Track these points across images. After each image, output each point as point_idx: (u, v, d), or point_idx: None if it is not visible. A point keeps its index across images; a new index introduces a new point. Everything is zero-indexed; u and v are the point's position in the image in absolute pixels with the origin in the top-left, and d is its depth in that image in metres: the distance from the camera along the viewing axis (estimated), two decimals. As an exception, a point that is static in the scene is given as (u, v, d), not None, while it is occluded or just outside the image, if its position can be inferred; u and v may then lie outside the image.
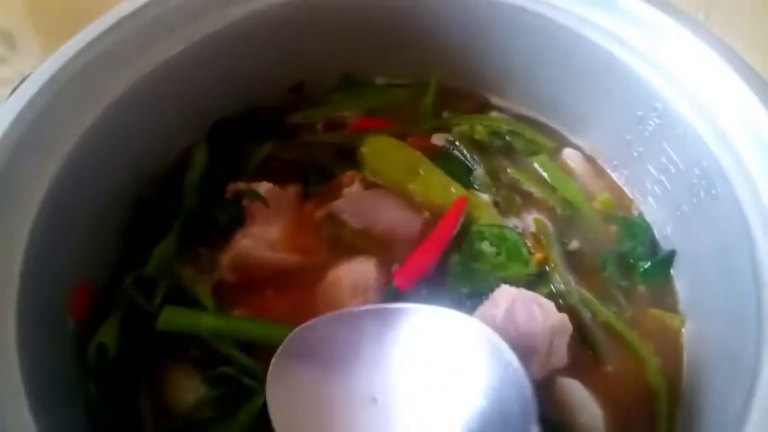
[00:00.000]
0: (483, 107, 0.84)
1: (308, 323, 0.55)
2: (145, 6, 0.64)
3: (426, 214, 0.72)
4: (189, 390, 0.61)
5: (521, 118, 0.82)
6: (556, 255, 0.68)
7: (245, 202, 0.70)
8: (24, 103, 0.55)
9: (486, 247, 0.68)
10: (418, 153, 0.76)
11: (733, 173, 0.57)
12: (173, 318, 0.61)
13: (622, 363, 0.64)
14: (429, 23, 0.78)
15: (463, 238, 0.69)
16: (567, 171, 0.78)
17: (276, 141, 0.78)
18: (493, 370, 0.51)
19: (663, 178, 0.69)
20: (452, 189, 0.73)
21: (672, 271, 0.70)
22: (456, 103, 0.84)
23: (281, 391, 0.53)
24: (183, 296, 0.64)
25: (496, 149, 0.79)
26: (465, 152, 0.78)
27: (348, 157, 0.77)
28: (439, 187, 0.74)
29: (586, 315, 0.65)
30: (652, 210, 0.73)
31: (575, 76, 0.74)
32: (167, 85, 0.67)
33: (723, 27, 0.67)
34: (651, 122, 0.67)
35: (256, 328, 0.63)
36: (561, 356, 0.60)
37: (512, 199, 0.74)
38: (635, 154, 0.72)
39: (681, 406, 0.61)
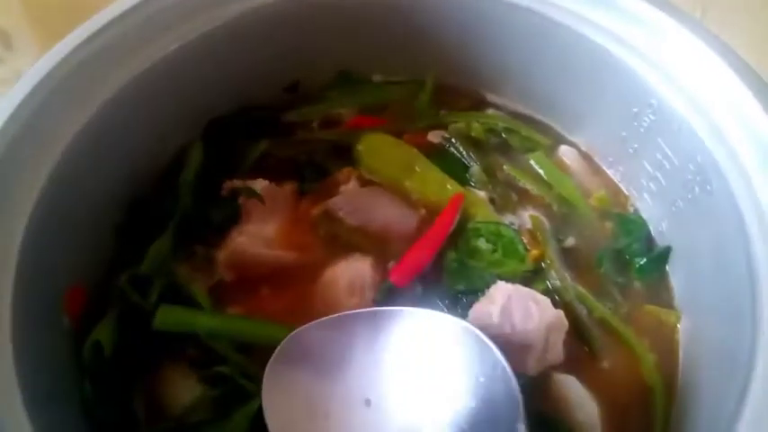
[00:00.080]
0: (479, 104, 0.84)
1: (302, 328, 0.56)
2: (140, 5, 0.64)
3: (422, 211, 0.72)
4: (184, 390, 0.61)
5: (517, 115, 0.82)
6: (552, 251, 0.69)
7: (240, 200, 0.70)
8: (19, 102, 0.55)
9: (482, 243, 0.68)
10: (414, 150, 0.76)
11: (728, 168, 0.57)
12: (169, 316, 0.61)
13: (618, 359, 0.64)
14: (425, 21, 0.78)
15: (459, 235, 0.69)
16: (562, 168, 0.78)
17: (272, 139, 0.78)
18: (482, 370, 0.52)
19: (658, 174, 0.69)
20: (448, 186, 0.73)
21: (667, 267, 0.70)
22: (452, 101, 0.84)
23: (277, 395, 0.53)
24: (178, 294, 0.64)
25: (493, 147, 0.79)
26: (461, 149, 0.78)
27: (344, 154, 0.77)
28: (435, 184, 0.74)
29: (582, 311, 0.65)
30: (647, 206, 0.73)
31: (571, 74, 0.74)
32: (162, 84, 0.67)
33: (720, 25, 0.67)
34: (646, 119, 0.67)
35: (253, 328, 0.63)
36: (557, 353, 0.60)
37: (508, 196, 0.74)
38: (630, 150, 0.72)
39: (676, 401, 0.61)
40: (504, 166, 0.77)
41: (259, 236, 0.68)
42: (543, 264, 0.68)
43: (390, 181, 0.75)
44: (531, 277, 0.67)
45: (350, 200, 0.72)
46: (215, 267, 0.67)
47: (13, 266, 0.51)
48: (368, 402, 0.54)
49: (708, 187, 0.60)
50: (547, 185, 0.76)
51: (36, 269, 0.53)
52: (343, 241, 0.70)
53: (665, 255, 0.69)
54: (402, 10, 0.77)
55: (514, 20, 0.73)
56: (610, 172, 0.78)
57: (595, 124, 0.77)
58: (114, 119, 0.62)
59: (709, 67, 0.61)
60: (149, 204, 0.70)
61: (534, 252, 0.68)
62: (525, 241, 0.69)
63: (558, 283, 0.66)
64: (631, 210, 0.75)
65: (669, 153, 0.66)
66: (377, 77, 0.85)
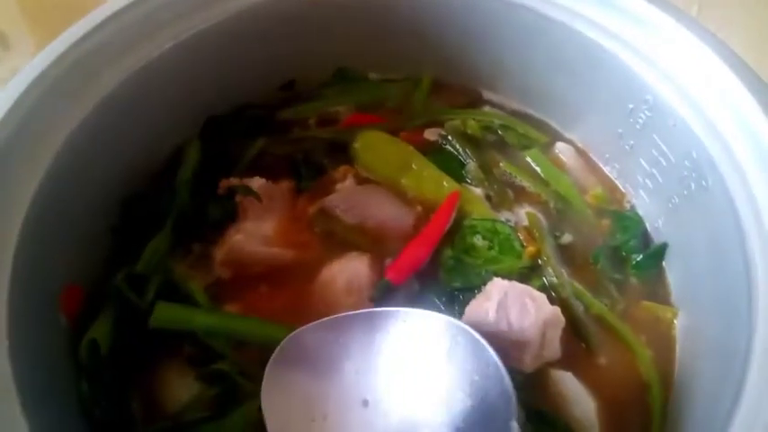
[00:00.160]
0: (476, 102, 0.84)
1: (300, 329, 0.56)
2: (135, 3, 0.64)
3: (419, 209, 0.72)
4: (182, 388, 0.61)
5: (513, 112, 0.83)
6: (548, 248, 0.69)
7: (237, 198, 0.70)
8: (14, 100, 0.55)
9: (478, 240, 0.68)
10: (411, 148, 0.76)
11: (723, 164, 0.57)
12: (166, 314, 0.61)
13: (615, 355, 0.64)
14: (421, 19, 0.78)
15: (456, 233, 0.69)
16: (559, 165, 0.78)
17: (268, 137, 0.78)
18: (476, 369, 0.52)
19: (654, 171, 0.69)
20: (445, 183, 0.73)
21: (664, 263, 0.70)
22: (448, 98, 0.84)
23: (276, 397, 0.54)
24: (175, 292, 0.64)
25: (489, 144, 0.79)
26: (457, 147, 0.78)
27: (341, 152, 0.77)
28: (431, 182, 0.74)
29: (579, 308, 0.65)
30: (644, 203, 0.73)
31: (566, 70, 0.74)
32: (158, 82, 0.67)
33: (716, 22, 0.67)
34: (642, 115, 0.67)
35: (250, 326, 0.63)
36: (554, 349, 0.60)
37: (504, 193, 0.75)
38: (626, 147, 0.72)
39: (673, 397, 0.62)
40: (501, 164, 0.77)
41: (256, 234, 0.68)
42: (540, 260, 0.68)
43: (387, 179, 0.75)
44: (528, 274, 0.67)
45: (346, 197, 0.72)
46: (212, 265, 0.67)
47: (9, 264, 0.50)
48: (365, 403, 0.54)
49: (703, 183, 0.60)
50: (543, 182, 0.76)
51: (32, 267, 0.53)
52: (339, 239, 0.70)
53: (661, 251, 0.70)
54: (398, 8, 0.77)
55: (510, 17, 0.73)
56: (606, 169, 0.78)
57: (591, 121, 0.77)
58: (109, 117, 0.62)
59: (704, 63, 0.61)
60: (146, 202, 0.69)
61: (531, 249, 0.68)
62: (522, 238, 0.69)
63: (554, 279, 0.66)
64: (628, 206, 0.75)
65: (665, 149, 0.66)
66: (373, 75, 0.85)
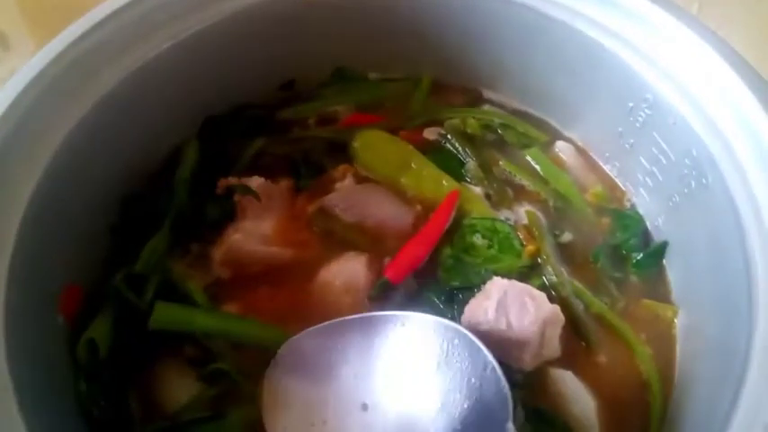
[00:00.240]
0: (475, 101, 0.84)
1: (297, 336, 0.57)
2: (134, 2, 0.64)
3: (418, 208, 0.72)
4: (181, 388, 0.61)
5: (513, 111, 0.82)
6: (548, 247, 0.68)
7: (236, 197, 0.70)
8: (12, 99, 0.55)
9: (478, 239, 0.68)
10: (410, 147, 0.76)
11: (723, 162, 0.57)
12: (165, 314, 0.61)
13: (615, 353, 0.64)
14: (421, 18, 0.78)
15: (455, 232, 0.69)
16: (559, 164, 0.78)
17: (267, 137, 0.78)
18: (473, 371, 0.52)
19: (654, 169, 0.69)
20: (444, 182, 0.73)
21: (664, 262, 0.70)
22: (448, 97, 0.84)
23: (275, 403, 0.54)
24: (174, 292, 0.64)
25: (489, 143, 0.79)
26: (457, 146, 0.78)
27: (340, 151, 0.77)
28: (431, 181, 0.74)
29: (579, 306, 0.65)
30: (644, 201, 0.73)
31: (566, 69, 0.74)
32: (156, 82, 0.67)
33: (716, 20, 0.67)
34: (642, 113, 0.67)
35: (249, 327, 0.63)
36: (554, 347, 0.60)
37: (504, 192, 0.74)
38: (626, 145, 0.72)
39: (673, 395, 0.61)
40: (501, 162, 0.77)
41: (255, 233, 0.68)
42: (539, 259, 0.68)
43: (386, 178, 0.75)
44: (528, 273, 0.66)
45: (346, 197, 0.72)
46: (211, 265, 0.67)
47: (7, 264, 0.50)
48: (365, 407, 0.54)
49: (703, 181, 0.60)
50: (543, 181, 0.76)
51: (30, 267, 0.53)
52: (338, 238, 0.70)
53: (661, 249, 0.69)
54: (397, 8, 0.77)
55: (510, 16, 0.73)
56: (606, 167, 0.78)
57: (591, 119, 0.76)
58: (108, 116, 0.62)
59: (704, 61, 0.61)
60: (144, 202, 0.69)
61: (530, 248, 0.68)
62: (521, 237, 0.68)
63: (554, 278, 0.66)
64: (628, 205, 0.75)
65: (665, 147, 0.66)
66: (372, 75, 0.85)
